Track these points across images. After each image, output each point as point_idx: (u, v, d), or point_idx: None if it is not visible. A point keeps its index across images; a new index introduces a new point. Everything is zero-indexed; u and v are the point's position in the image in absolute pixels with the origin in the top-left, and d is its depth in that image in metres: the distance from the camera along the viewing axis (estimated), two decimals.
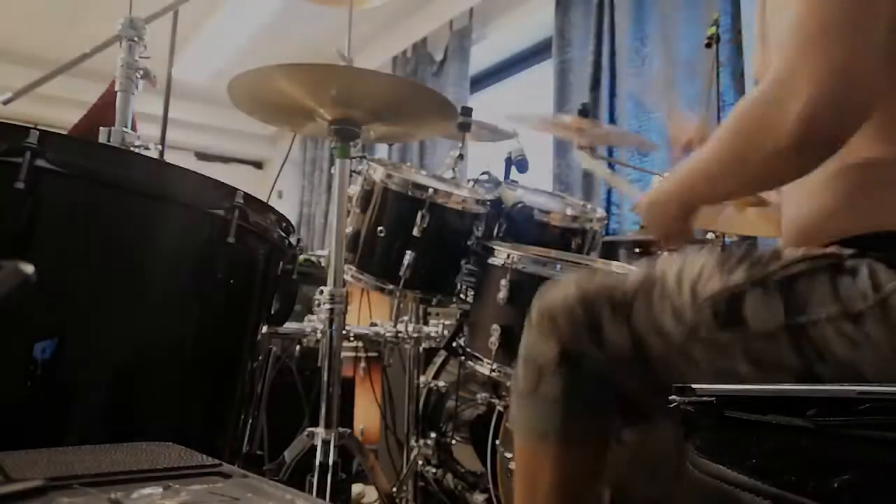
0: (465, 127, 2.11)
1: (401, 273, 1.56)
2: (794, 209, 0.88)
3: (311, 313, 1.56)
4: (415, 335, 2.00)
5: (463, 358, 1.56)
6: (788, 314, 0.77)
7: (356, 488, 2.28)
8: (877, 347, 0.73)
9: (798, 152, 0.71)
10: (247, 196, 1.12)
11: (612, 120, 3.07)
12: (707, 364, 0.82)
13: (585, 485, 0.97)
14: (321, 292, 1.47)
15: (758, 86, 0.76)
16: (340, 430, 1.40)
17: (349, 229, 1.63)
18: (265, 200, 1.21)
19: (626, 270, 1.42)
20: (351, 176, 1.62)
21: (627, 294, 0.89)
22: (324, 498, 1.30)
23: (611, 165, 3.03)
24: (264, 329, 1.30)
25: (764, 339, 0.78)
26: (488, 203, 1.65)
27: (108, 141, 1.36)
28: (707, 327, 0.82)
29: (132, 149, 1.37)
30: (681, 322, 0.84)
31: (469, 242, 1.62)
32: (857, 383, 0.62)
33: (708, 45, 2.31)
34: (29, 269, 0.47)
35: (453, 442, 1.92)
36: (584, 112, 2.17)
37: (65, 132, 1.43)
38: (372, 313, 2.23)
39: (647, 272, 0.91)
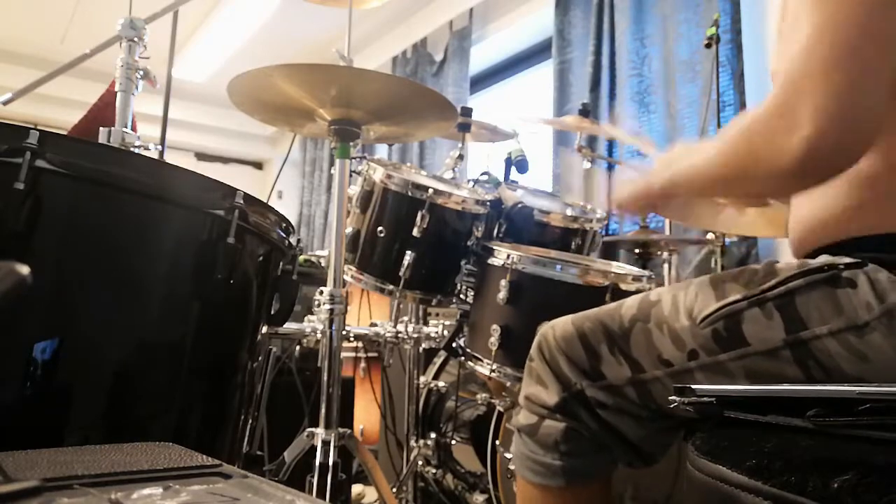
0: (465, 127, 2.11)
1: (401, 273, 1.56)
2: (800, 210, 0.88)
3: (311, 313, 1.56)
4: (415, 335, 2.00)
5: (463, 358, 1.56)
6: (789, 330, 0.76)
7: (356, 488, 2.28)
8: (884, 358, 0.71)
9: (801, 175, 0.71)
10: (247, 196, 1.12)
11: (611, 121, 3.07)
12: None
13: None
14: (321, 293, 1.47)
15: (763, 103, 0.75)
16: (340, 430, 1.40)
17: (349, 229, 1.63)
18: (265, 200, 1.20)
19: (627, 270, 1.42)
20: (351, 176, 1.62)
21: (624, 325, 0.89)
22: (324, 498, 1.30)
23: (610, 165, 3.03)
24: (264, 329, 1.30)
25: (766, 356, 0.78)
26: (488, 203, 1.65)
27: (108, 141, 1.36)
28: (708, 350, 0.82)
29: (132, 149, 1.37)
30: (681, 348, 0.84)
31: (469, 243, 1.62)
32: (857, 384, 0.62)
33: (708, 46, 2.31)
34: (25, 270, 0.47)
35: (453, 442, 1.92)
36: (585, 112, 2.17)
37: (65, 132, 1.43)
38: (372, 313, 2.23)
39: (641, 300, 0.90)
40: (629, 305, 0.91)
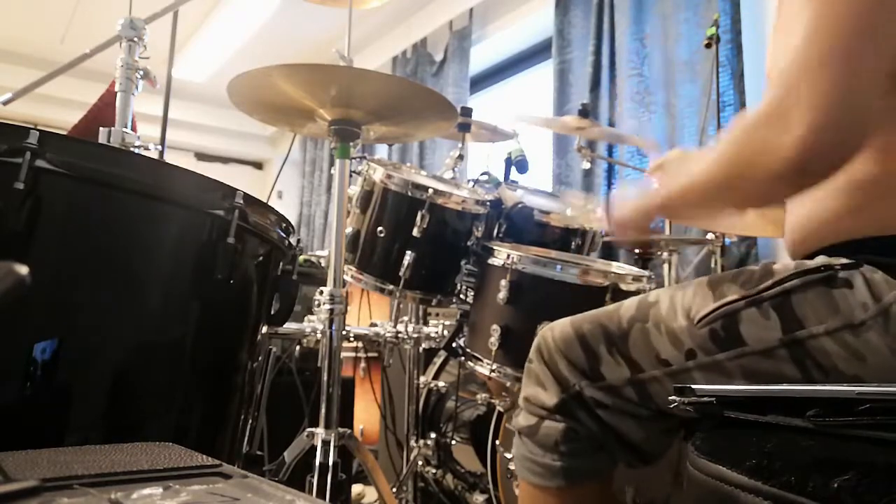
0: (465, 127, 2.11)
1: (401, 273, 1.56)
2: (797, 211, 0.88)
3: (311, 313, 1.56)
4: (415, 335, 2.00)
5: (463, 358, 1.56)
6: (786, 330, 0.77)
7: (356, 488, 2.28)
8: (880, 357, 0.72)
9: (796, 176, 0.70)
10: (247, 196, 1.12)
11: (611, 121, 3.07)
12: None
13: None
14: (321, 293, 1.47)
15: (759, 105, 0.75)
16: (340, 430, 1.40)
17: (349, 229, 1.63)
18: (265, 200, 1.20)
19: (627, 271, 1.42)
20: (351, 176, 1.62)
21: (622, 326, 0.89)
22: (324, 498, 1.30)
23: (610, 166, 3.03)
24: (264, 329, 1.30)
25: (763, 356, 0.78)
26: (488, 203, 1.65)
27: (108, 141, 1.36)
28: (705, 349, 0.82)
29: (132, 149, 1.37)
30: (678, 348, 0.84)
31: (469, 243, 1.62)
32: (856, 384, 0.62)
33: (708, 46, 2.31)
34: (23, 270, 0.47)
35: (453, 442, 1.92)
36: (584, 112, 2.17)
37: (65, 132, 1.43)
38: (372, 313, 2.23)
39: (640, 301, 0.91)
40: (628, 307, 0.91)
